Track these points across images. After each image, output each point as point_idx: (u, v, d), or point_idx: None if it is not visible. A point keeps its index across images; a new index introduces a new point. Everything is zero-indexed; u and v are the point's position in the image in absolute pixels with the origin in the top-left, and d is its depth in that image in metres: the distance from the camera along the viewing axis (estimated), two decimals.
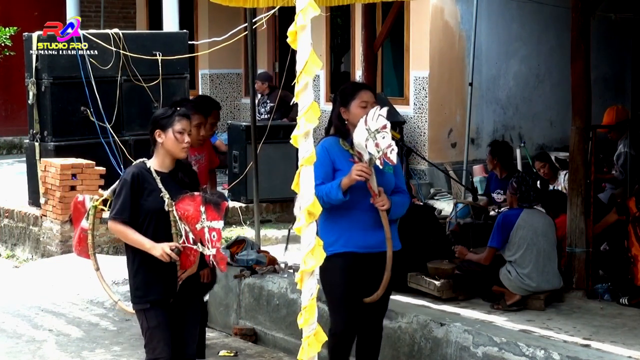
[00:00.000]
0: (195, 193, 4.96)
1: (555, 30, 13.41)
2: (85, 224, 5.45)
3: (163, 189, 5.01)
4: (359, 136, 5.11)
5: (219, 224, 4.87)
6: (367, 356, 5.57)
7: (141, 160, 5.18)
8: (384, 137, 5.01)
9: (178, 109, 5.19)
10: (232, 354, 6.98)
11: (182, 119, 5.10)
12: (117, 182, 5.21)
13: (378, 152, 5.03)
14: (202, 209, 4.88)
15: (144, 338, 5.12)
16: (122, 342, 7.33)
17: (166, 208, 4.98)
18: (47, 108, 10.50)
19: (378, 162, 5.09)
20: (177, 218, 4.95)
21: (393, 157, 5.03)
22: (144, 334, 5.10)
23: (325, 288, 5.44)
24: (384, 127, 5.03)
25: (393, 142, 5.02)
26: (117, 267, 9.29)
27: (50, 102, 10.47)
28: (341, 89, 5.56)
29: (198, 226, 4.90)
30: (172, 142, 5.06)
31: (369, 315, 5.48)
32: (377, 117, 5.04)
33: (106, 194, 5.33)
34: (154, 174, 5.06)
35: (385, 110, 5.08)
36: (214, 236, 4.87)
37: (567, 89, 7.92)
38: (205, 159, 6.94)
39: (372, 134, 5.03)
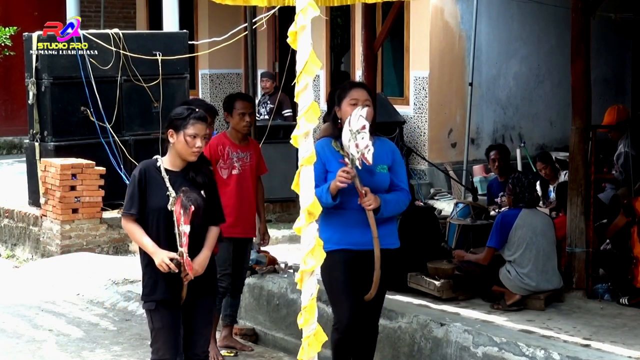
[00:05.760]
0: (181, 195, 4.91)
1: (555, 30, 13.41)
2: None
3: (170, 188, 4.96)
4: (344, 137, 5.13)
5: (187, 227, 4.85)
6: (362, 356, 5.55)
7: (155, 157, 5.13)
8: (362, 138, 5.02)
9: (196, 110, 5.07)
10: (232, 354, 6.97)
11: (197, 123, 5.00)
12: None
13: (357, 152, 5.04)
14: (181, 211, 4.87)
15: (150, 337, 5.15)
16: (122, 342, 7.32)
17: (169, 207, 4.94)
18: (47, 108, 10.49)
19: (357, 163, 5.10)
20: (175, 218, 4.93)
21: (369, 157, 5.03)
22: (150, 333, 5.13)
23: (325, 285, 5.44)
24: (363, 127, 5.04)
25: (370, 142, 5.03)
26: (118, 267, 9.31)
27: (50, 102, 10.46)
28: (338, 87, 5.55)
29: (181, 228, 4.90)
30: (182, 145, 5.00)
31: (364, 314, 5.45)
32: (357, 117, 5.05)
33: None
34: (163, 172, 5.01)
35: (365, 110, 5.09)
36: (184, 240, 4.88)
37: (567, 89, 7.92)
38: (253, 159, 6.78)
39: (353, 134, 5.03)
